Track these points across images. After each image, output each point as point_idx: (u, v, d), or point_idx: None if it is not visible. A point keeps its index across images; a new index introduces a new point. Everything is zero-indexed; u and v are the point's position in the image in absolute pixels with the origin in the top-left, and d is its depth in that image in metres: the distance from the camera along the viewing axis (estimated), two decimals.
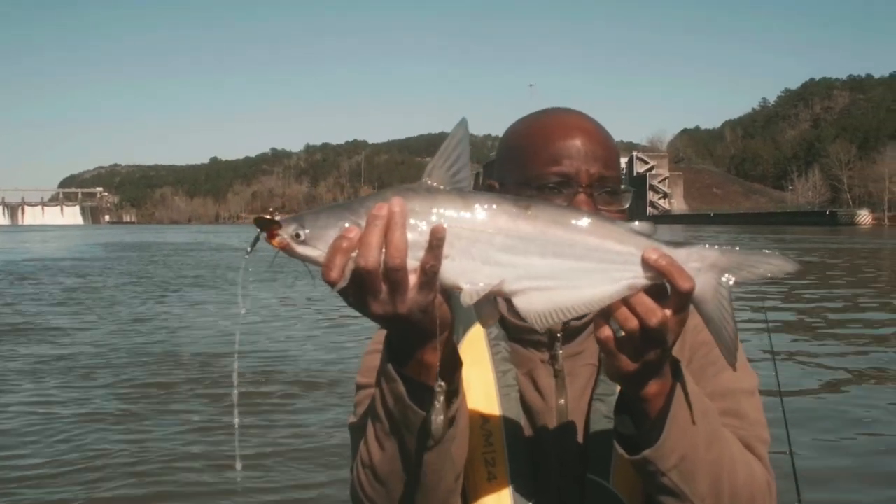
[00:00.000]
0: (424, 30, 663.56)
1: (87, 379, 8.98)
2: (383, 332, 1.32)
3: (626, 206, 1.36)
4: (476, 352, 1.38)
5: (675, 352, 1.27)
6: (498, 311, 1.12)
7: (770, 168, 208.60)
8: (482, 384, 1.37)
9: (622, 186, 1.40)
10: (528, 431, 1.40)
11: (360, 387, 1.49)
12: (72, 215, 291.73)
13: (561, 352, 1.39)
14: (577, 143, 1.33)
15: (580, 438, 1.41)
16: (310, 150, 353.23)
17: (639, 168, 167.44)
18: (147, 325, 13.55)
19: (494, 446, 1.34)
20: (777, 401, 2.46)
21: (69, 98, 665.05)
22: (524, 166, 1.34)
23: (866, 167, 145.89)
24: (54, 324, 13.70)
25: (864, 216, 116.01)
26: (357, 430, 1.41)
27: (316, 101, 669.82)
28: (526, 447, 1.37)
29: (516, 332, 1.41)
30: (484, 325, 1.13)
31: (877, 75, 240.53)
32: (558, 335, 1.40)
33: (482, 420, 1.35)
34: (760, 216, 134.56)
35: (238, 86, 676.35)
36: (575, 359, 1.41)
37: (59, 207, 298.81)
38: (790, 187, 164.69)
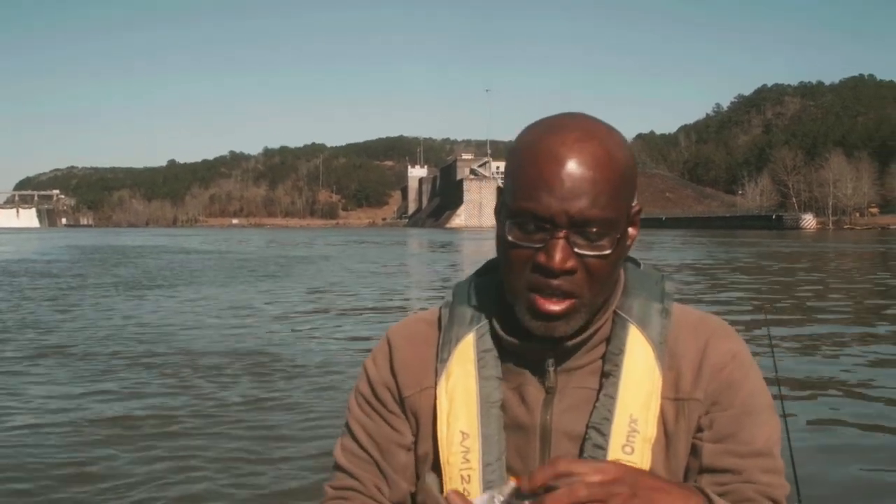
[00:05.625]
0: (383, 32, 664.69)
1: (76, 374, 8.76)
2: (382, 348, 1.41)
3: (608, 251, 1.19)
4: (463, 366, 1.35)
5: (685, 390, 1.28)
6: None
7: (722, 173, 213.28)
8: (465, 400, 1.34)
9: (613, 233, 1.20)
10: (511, 448, 1.34)
11: (356, 402, 1.44)
12: (28, 218, 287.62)
13: (552, 369, 1.32)
14: (559, 173, 1.16)
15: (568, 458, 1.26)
16: (268, 153, 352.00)
17: None
18: (154, 326, 12.98)
19: (471, 463, 1.32)
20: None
21: (24, 99, 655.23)
22: (512, 192, 1.22)
23: (812, 173, 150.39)
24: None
25: (809, 220, 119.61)
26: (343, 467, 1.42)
27: (274, 104, 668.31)
28: (501, 465, 1.33)
29: (509, 347, 1.34)
30: None
31: (827, 82, 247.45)
32: (550, 351, 1.32)
33: (462, 437, 1.33)
34: (710, 220, 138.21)
35: (196, 88, 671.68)
36: (568, 375, 1.33)
37: (14, 210, 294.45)
38: (741, 192, 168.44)
